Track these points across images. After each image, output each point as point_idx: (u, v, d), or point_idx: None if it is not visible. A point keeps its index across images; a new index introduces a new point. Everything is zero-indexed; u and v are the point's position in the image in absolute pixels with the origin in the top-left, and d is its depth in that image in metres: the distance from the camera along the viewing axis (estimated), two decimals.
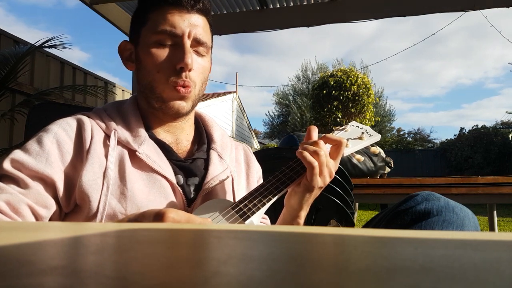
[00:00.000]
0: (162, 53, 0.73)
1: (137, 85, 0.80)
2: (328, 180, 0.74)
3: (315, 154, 0.71)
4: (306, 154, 0.71)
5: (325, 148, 0.73)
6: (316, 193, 0.74)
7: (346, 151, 0.79)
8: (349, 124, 0.90)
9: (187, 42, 0.73)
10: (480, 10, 3.41)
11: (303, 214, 0.77)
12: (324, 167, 0.72)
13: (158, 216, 0.55)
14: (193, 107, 0.79)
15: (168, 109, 0.75)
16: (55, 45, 2.66)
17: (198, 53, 0.76)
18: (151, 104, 0.77)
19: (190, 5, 0.74)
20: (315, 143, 0.73)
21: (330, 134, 0.83)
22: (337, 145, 0.75)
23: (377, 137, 0.86)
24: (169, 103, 0.74)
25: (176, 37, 0.73)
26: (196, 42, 0.75)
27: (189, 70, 0.73)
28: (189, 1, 0.73)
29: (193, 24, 0.74)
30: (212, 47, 0.82)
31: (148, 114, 0.79)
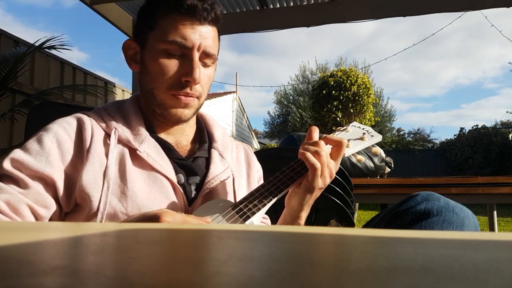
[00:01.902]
0: (169, 63, 0.72)
1: (139, 87, 0.79)
2: (328, 180, 0.74)
3: (317, 154, 0.71)
4: (309, 155, 0.71)
5: (326, 149, 0.73)
6: (316, 194, 0.74)
7: (347, 152, 0.79)
8: (350, 124, 0.90)
9: (196, 55, 0.72)
10: (480, 10, 3.41)
11: (304, 215, 0.77)
12: (325, 168, 0.72)
13: (153, 219, 0.55)
14: (194, 113, 0.79)
15: (170, 116, 0.75)
16: (54, 45, 2.65)
17: (205, 64, 0.75)
18: (152, 109, 0.77)
19: (203, 16, 0.72)
20: (316, 144, 0.73)
21: (331, 134, 0.82)
22: (338, 146, 0.75)
23: (378, 137, 0.86)
24: (171, 111, 0.74)
25: (185, 48, 0.72)
26: (205, 55, 0.74)
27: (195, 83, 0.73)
28: (202, 13, 0.72)
29: (203, 36, 0.73)
30: (218, 54, 0.82)
31: (149, 115, 0.79)
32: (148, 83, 0.75)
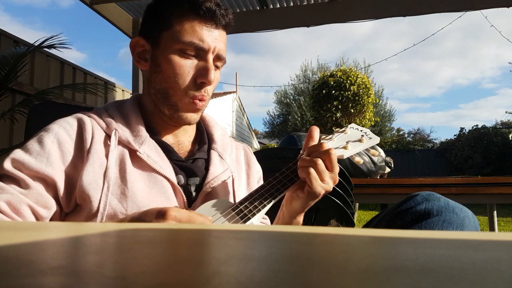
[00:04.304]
0: (185, 63, 0.73)
1: (147, 87, 0.78)
2: (331, 186, 0.72)
3: (313, 163, 0.69)
4: (305, 168, 0.70)
5: (328, 147, 0.71)
6: (319, 197, 0.74)
7: (346, 154, 0.79)
8: (349, 126, 0.89)
9: (211, 58, 0.74)
10: (480, 10, 3.41)
11: (302, 214, 0.77)
12: (325, 174, 0.70)
13: (160, 214, 0.55)
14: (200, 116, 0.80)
15: (180, 118, 0.75)
16: (54, 44, 2.64)
17: (216, 67, 0.77)
18: (160, 109, 0.77)
19: (219, 21, 0.74)
20: (312, 152, 0.72)
21: (328, 137, 0.82)
22: (327, 158, 0.71)
23: (376, 139, 0.85)
24: (182, 113, 0.75)
25: (201, 50, 0.73)
26: (217, 58, 0.75)
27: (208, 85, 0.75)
28: (219, 18, 0.74)
29: (217, 39, 0.74)
30: None
31: (152, 115, 0.79)
32: (161, 83, 0.74)
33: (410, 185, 1.97)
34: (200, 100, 0.74)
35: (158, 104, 0.76)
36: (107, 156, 0.70)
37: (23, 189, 0.64)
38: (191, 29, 0.72)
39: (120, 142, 0.72)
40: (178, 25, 0.72)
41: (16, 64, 2.50)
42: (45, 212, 0.65)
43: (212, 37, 0.73)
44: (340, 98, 8.67)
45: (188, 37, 0.72)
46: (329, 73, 9.46)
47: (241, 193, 0.81)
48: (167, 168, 0.72)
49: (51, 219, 0.67)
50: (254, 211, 0.68)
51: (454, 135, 13.54)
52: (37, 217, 0.64)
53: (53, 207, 0.66)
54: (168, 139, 0.79)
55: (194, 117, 0.77)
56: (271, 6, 3.48)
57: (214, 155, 0.81)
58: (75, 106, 1.22)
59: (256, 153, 1.08)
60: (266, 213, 0.82)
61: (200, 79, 0.73)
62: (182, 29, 0.72)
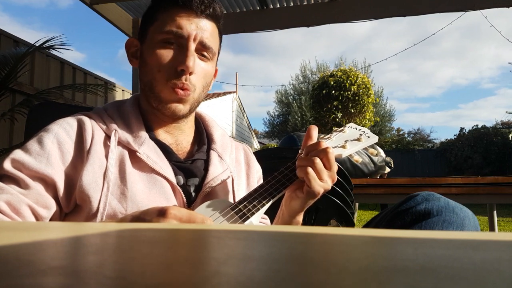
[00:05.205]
0: (165, 53, 0.73)
1: (139, 83, 0.80)
2: (330, 184, 0.72)
3: (311, 163, 0.69)
4: (304, 168, 0.69)
5: (325, 146, 0.71)
6: (318, 196, 0.74)
7: (344, 153, 0.79)
8: (347, 125, 0.89)
9: (192, 45, 0.73)
10: (480, 10, 3.41)
11: (302, 214, 0.77)
12: (323, 173, 0.70)
13: (161, 212, 0.55)
14: (191, 110, 0.78)
15: (165, 110, 0.75)
16: (54, 45, 2.65)
17: (202, 56, 0.76)
18: (150, 103, 0.77)
19: (199, 9, 0.74)
20: (309, 151, 0.72)
21: (326, 137, 0.83)
22: (324, 157, 0.71)
23: (374, 138, 0.85)
24: (166, 104, 0.74)
25: (181, 38, 0.73)
26: (202, 46, 0.74)
27: (190, 74, 0.73)
28: (198, 6, 0.74)
29: (200, 28, 0.74)
30: (219, 53, 0.82)
31: (148, 114, 0.79)
32: (146, 75, 0.75)
33: (410, 185, 1.97)
34: (181, 89, 0.73)
35: (148, 99, 0.77)
36: (106, 156, 0.70)
37: (23, 189, 0.64)
38: (171, 19, 0.73)
39: (120, 143, 0.72)
40: (160, 18, 0.74)
41: (16, 65, 2.50)
42: (45, 212, 0.65)
43: (193, 25, 0.73)
44: (340, 98, 8.67)
45: (167, 26, 0.73)
46: (329, 73, 9.46)
47: (241, 193, 0.81)
48: (166, 168, 0.72)
49: (51, 219, 0.67)
50: (253, 211, 0.68)
51: (454, 135, 13.56)
52: (37, 217, 0.64)
53: (53, 207, 0.66)
54: (167, 139, 0.79)
55: (179, 107, 0.75)
56: (271, 6, 3.49)
57: (213, 155, 0.81)
58: (75, 106, 1.22)
59: (256, 153, 1.08)
60: (266, 213, 0.82)
61: (180, 66, 0.72)
62: (163, 20, 0.73)
